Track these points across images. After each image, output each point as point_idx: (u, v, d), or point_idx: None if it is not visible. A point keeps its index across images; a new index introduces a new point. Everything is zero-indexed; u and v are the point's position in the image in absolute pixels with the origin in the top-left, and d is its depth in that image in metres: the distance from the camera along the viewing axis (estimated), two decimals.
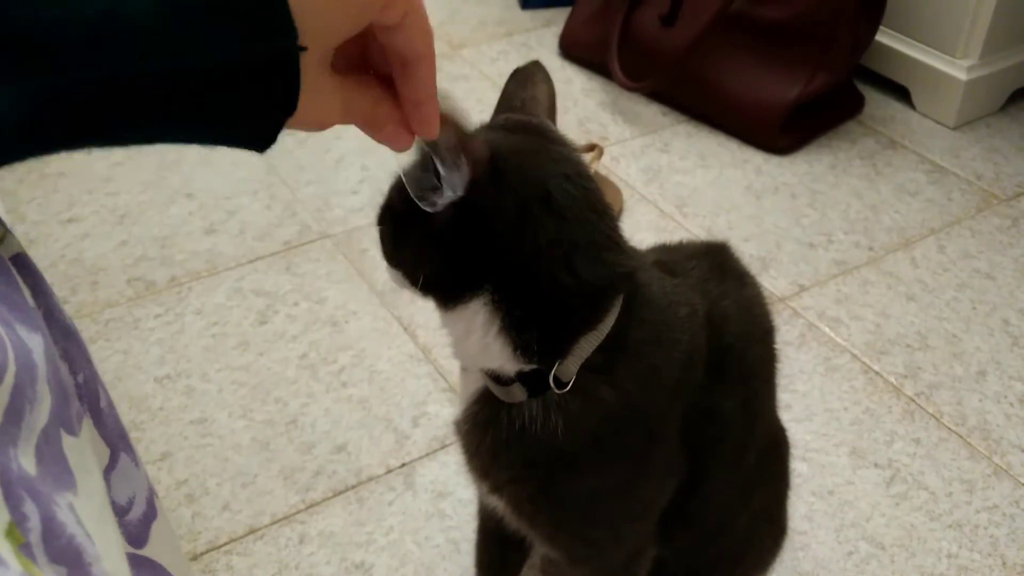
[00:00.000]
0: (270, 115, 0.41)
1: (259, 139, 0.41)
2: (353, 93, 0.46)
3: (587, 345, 0.64)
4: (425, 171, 0.58)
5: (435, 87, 0.48)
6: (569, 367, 0.65)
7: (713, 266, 0.79)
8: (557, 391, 0.65)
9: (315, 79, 0.41)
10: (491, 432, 0.70)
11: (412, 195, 0.58)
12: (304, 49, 0.39)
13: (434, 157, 0.56)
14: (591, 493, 0.72)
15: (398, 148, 0.50)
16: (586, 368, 0.65)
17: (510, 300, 0.62)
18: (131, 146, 0.39)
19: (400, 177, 0.60)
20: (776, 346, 0.82)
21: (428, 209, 0.59)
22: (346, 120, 0.47)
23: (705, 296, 0.74)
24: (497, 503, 0.77)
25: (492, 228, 0.60)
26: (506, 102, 0.69)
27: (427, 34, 0.47)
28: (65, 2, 0.34)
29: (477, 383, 0.72)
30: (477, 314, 0.63)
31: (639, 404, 0.68)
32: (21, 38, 0.34)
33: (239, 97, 0.39)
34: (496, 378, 0.68)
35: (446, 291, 0.63)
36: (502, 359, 0.65)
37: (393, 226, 0.64)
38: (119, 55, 0.35)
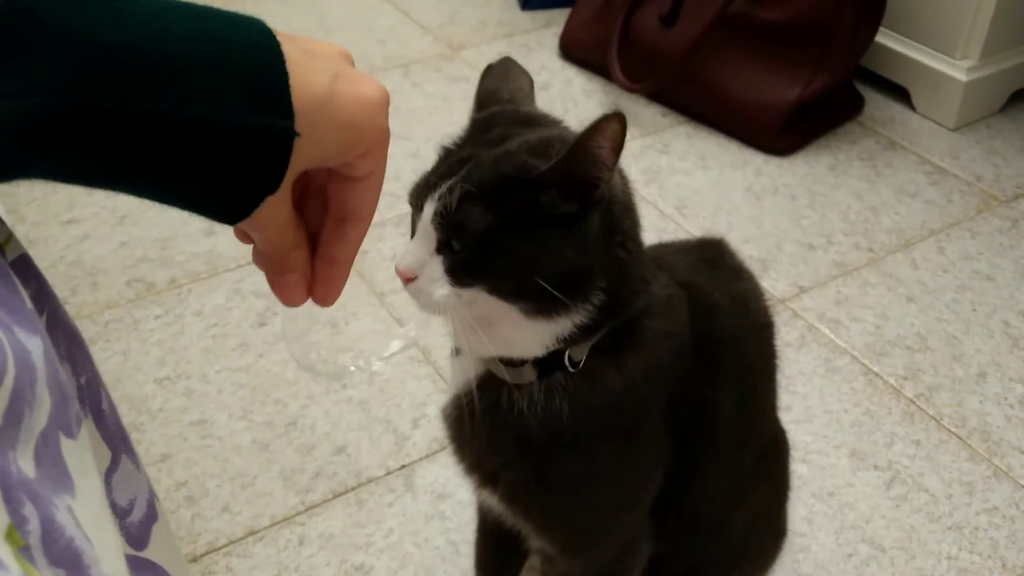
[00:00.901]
0: (252, 189, 0.41)
1: (233, 210, 0.41)
2: (291, 223, 0.46)
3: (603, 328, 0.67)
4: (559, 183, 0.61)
5: (355, 254, 0.48)
6: (581, 347, 0.67)
7: (703, 259, 0.80)
8: (571, 369, 0.67)
9: (284, 184, 0.41)
10: (489, 417, 0.71)
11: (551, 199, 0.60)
12: (299, 135, 0.40)
13: (595, 155, 0.59)
14: (584, 477, 0.73)
15: (288, 300, 0.48)
16: (595, 349, 0.67)
17: (606, 293, 0.65)
18: (107, 189, 0.39)
19: (498, 183, 0.60)
20: (775, 342, 0.83)
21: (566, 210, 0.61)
22: (273, 239, 0.46)
23: (690, 287, 0.75)
24: (489, 497, 0.77)
25: (614, 223, 0.64)
26: (492, 96, 0.69)
27: (376, 201, 0.47)
28: (93, 23, 0.35)
29: (474, 369, 0.72)
30: (576, 311, 0.64)
31: (639, 389, 0.70)
32: (44, 43, 0.34)
33: (228, 162, 0.39)
34: (508, 360, 0.68)
35: (567, 293, 0.62)
36: (543, 347, 0.66)
37: (501, 233, 0.61)
38: (132, 88, 0.36)
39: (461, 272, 0.62)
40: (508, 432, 0.70)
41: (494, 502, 0.77)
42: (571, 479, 0.72)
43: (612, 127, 0.58)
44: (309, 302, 0.50)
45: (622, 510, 0.77)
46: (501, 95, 0.69)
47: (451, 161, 0.63)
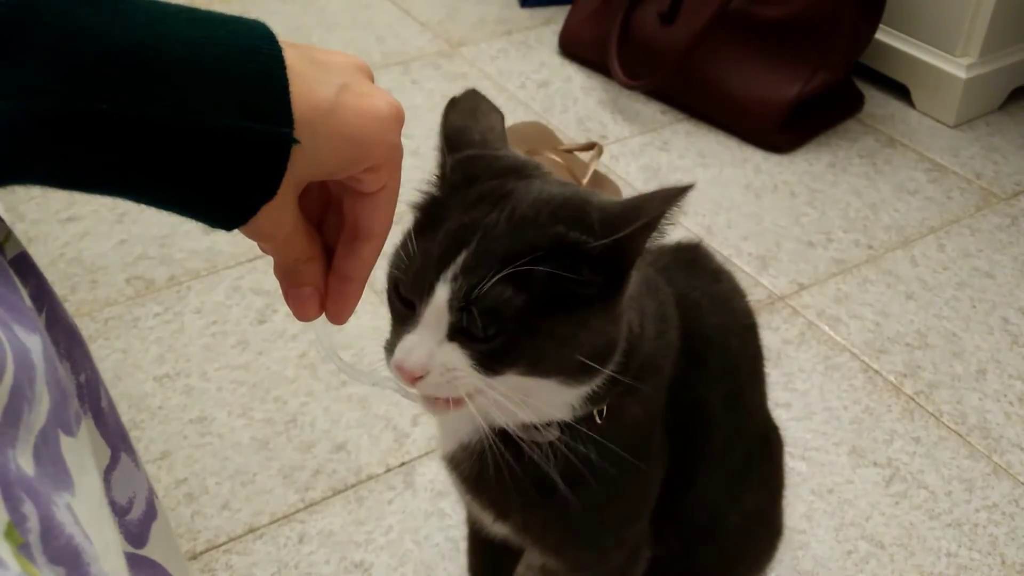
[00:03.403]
0: (248, 195, 0.40)
1: (229, 216, 0.41)
2: (300, 234, 0.45)
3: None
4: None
5: (370, 272, 0.48)
6: (606, 400, 0.65)
7: (680, 262, 0.79)
8: (598, 421, 0.65)
9: (285, 192, 0.41)
10: (506, 467, 0.65)
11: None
12: (298, 142, 0.39)
13: (662, 230, 0.55)
14: (605, 502, 0.71)
15: (300, 314, 0.47)
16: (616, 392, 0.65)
17: (629, 342, 0.62)
18: (102, 193, 0.39)
19: (527, 257, 0.53)
20: (760, 342, 0.83)
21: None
22: (282, 249, 0.46)
23: (670, 287, 0.75)
24: (500, 528, 0.75)
25: (626, 283, 0.59)
26: (460, 136, 0.62)
27: (390, 218, 0.47)
28: (93, 25, 0.35)
29: (484, 424, 0.65)
30: (598, 377, 0.60)
31: (655, 407, 0.69)
32: (42, 44, 0.34)
33: (224, 167, 0.39)
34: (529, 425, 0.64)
35: (599, 363, 0.59)
36: (571, 409, 0.63)
37: (536, 313, 0.55)
38: (129, 91, 0.36)
39: (492, 360, 0.55)
40: (527, 476, 0.66)
41: (505, 530, 0.75)
42: (592, 506, 0.70)
43: (682, 198, 0.54)
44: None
45: (633, 522, 0.76)
46: (471, 135, 0.62)
47: (450, 230, 0.56)
